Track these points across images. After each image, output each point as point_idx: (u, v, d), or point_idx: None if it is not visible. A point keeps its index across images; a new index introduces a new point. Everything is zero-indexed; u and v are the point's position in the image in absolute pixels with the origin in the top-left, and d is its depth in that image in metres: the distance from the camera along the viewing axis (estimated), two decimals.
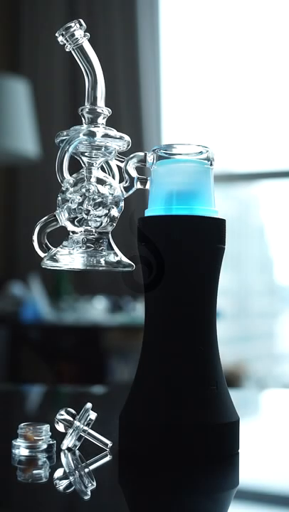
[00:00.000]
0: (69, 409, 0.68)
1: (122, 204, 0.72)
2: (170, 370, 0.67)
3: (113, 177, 0.74)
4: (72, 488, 0.59)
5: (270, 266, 3.64)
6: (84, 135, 0.69)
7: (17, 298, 2.99)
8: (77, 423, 0.66)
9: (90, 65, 0.71)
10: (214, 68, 3.41)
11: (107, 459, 0.66)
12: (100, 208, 0.70)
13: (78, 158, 0.72)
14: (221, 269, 0.70)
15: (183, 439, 0.66)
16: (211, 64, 3.41)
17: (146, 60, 3.26)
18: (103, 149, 0.71)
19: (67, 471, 0.62)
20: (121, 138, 0.71)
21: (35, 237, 0.70)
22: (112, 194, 0.71)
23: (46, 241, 0.71)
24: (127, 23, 3.26)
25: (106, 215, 0.70)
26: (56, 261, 0.70)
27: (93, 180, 0.71)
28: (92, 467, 0.64)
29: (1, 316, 2.94)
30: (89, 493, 0.57)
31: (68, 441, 0.66)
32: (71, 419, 0.67)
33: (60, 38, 0.71)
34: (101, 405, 1.08)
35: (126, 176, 0.72)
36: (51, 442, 0.66)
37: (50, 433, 0.67)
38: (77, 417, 0.67)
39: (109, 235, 0.72)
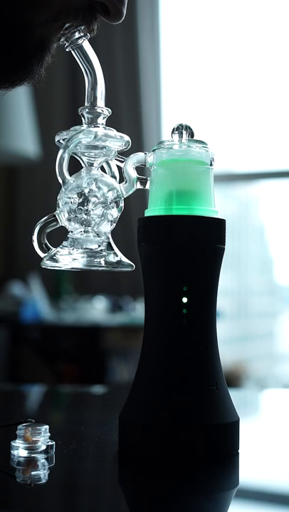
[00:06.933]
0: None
1: (122, 204, 0.72)
2: (170, 370, 0.67)
3: (113, 177, 0.74)
4: None
5: (270, 266, 3.64)
6: (84, 135, 0.69)
7: (17, 298, 2.99)
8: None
9: (89, 65, 0.71)
10: (214, 68, 3.41)
11: (107, 458, 0.66)
12: (100, 208, 0.70)
13: (78, 158, 0.72)
14: (221, 269, 0.70)
15: (183, 439, 0.66)
16: (210, 64, 3.41)
17: (146, 60, 3.26)
18: (103, 149, 0.71)
19: None
20: (121, 138, 0.71)
21: (35, 238, 0.70)
22: (112, 194, 0.71)
23: (46, 241, 0.71)
24: (127, 23, 3.26)
25: (106, 215, 0.70)
26: (56, 261, 0.70)
27: (93, 180, 0.70)
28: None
29: (1, 316, 2.93)
30: None
31: None
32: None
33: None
34: (101, 405, 1.08)
35: (126, 176, 0.72)
36: (50, 443, 0.66)
37: (49, 434, 0.67)
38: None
39: (109, 235, 0.72)
